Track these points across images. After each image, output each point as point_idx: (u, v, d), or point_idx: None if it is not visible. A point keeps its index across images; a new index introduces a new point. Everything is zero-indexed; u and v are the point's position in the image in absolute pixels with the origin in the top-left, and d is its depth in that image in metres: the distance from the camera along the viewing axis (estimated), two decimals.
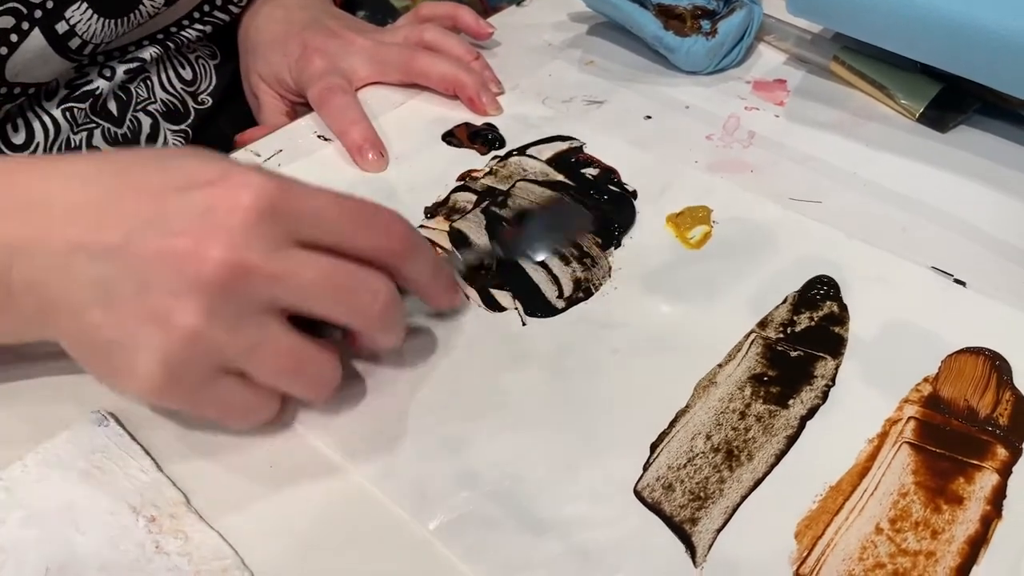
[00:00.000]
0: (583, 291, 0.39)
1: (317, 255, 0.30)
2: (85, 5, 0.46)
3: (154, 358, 0.28)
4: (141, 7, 0.49)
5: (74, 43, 0.47)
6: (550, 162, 0.46)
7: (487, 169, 0.45)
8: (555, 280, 0.39)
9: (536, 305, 0.38)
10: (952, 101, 0.47)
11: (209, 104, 0.58)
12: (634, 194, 0.44)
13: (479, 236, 0.41)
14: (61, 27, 0.46)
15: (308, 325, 0.31)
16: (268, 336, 0.29)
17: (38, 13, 0.45)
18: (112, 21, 0.48)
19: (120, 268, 0.28)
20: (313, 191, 0.31)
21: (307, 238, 0.30)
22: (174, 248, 0.28)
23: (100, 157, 0.32)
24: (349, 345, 0.34)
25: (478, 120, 0.49)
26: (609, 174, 0.45)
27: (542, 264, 0.40)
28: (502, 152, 0.46)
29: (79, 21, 0.46)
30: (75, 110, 0.51)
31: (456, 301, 0.36)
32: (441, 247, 0.41)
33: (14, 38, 0.44)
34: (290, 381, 0.31)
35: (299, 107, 0.55)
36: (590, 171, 0.45)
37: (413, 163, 0.46)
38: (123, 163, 0.31)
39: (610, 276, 0.40)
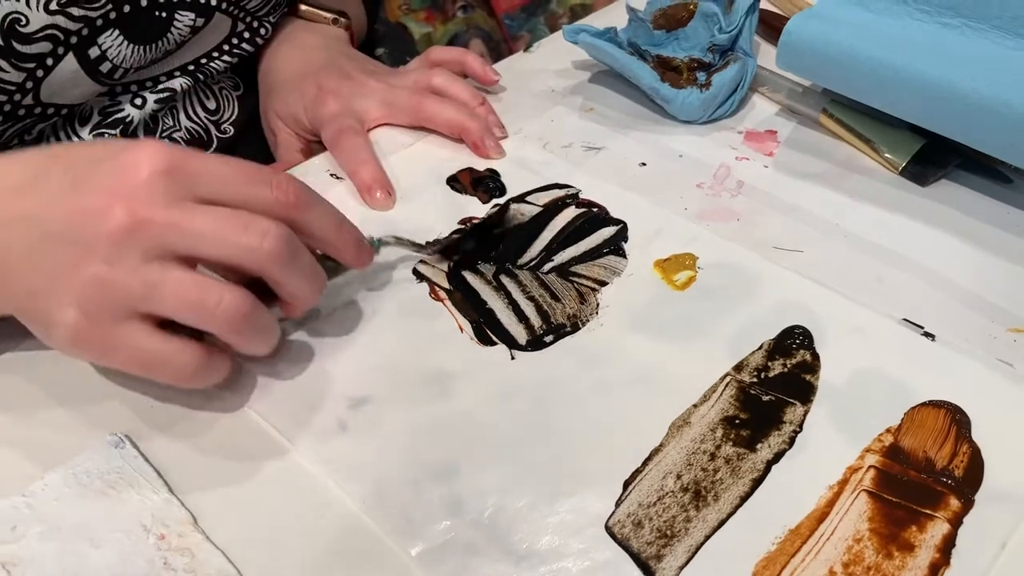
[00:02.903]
0: (571, 325, 0.41)
1: (212, 207, 0.33)
2: (117, 32, 0.49)
3: (71, 304, 0.32)
4: (169, 35, 0.52)
5: (105, 67, 0.50)
6: (546, 206, 0.48)
7: (487, 216, 0.48)
8: (545, 316, 0.42)
9: (516, 341, 0.41)
10: (934, 156, 0.49)
11: (231, 134, 0.61)
12: (623, 228, 0.46)
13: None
14: (93, 52, 0.49)
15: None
16: (169, 275, 0.33)
17: (73, 39, 0.48)
18: (142, 47, 0.51)
19: (42, 230, 0.33)
20: (210, 157, 0.35)
21: (204, 195, 0.34)
22: (82, 206, 0.32)
23: (41, 148, 0.37)
24: (282, 311, 0.38)
25: (481, 164, 0.52)
26: (595, 209, 0.48)
27: (531, 299, 0.42)
28: (502, 200, 0.49)
29: (110, 47, 0.49)
30: (106, 136, 0.54)
31: (367, 259, 0.40)
32: (439, 286, 0.44)
33: (50, 62, 0.47)
34: (197, 314, 0.33)
35: (314, 145, 0.58)
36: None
37: (418, 203, 0.49)
38: (53, 149, 0.36)
39: (597, 312, 0.42)
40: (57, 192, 0.33)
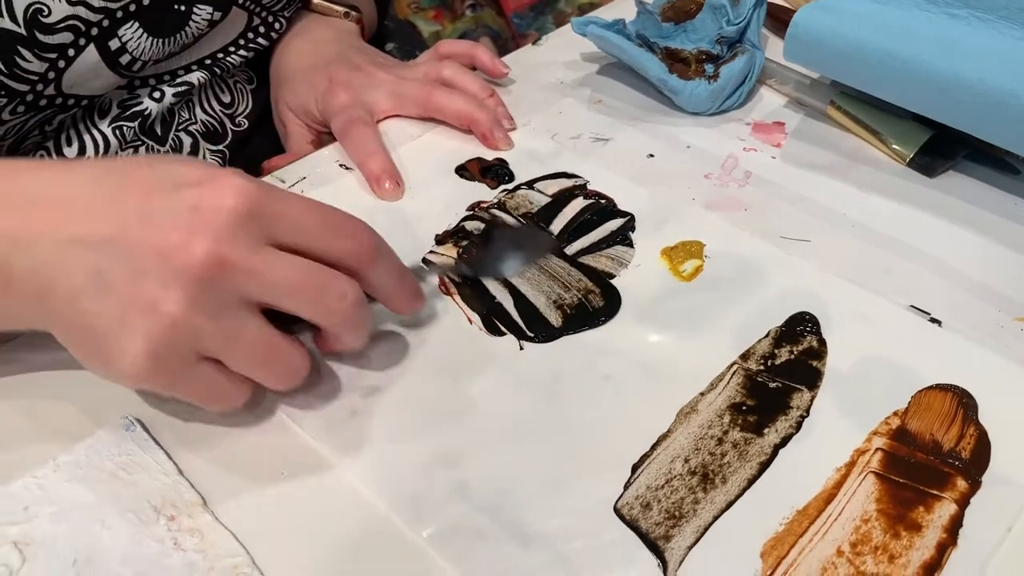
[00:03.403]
0: (585, 315, 0.41)
1: (291, 256, 0.33)
2: (137, 24, 0.50)
3: (140, 342, 0.31)
4: (187, 28, 0.53)
5: (124, 59, 0.51)
6: (555, 196, 0.49)
7: (495, 200, 0.48)
8: (559, 307, 0.42)
9: (538, 328, 0.41)
10: (942, 147, 0.50)
11: (245, 126, 0.62)
12: (631, 219, 0.47)
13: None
14: (114, 44, 0.49)
15: (280, 320, 0.34)
16: (244, 328, 0.32)
17: (94, 31, 0.48)
18: (161, 40, 0.52)
19: (114, 258, 0.31)
20: (291, 197, 0.34)
21: (282, 239, 0.33)
22: (165, 241, 0.31)
23: (96, 161, 0.35)
24: (317, 346, 0.37)
25: (490, 154, 0.52)
26: (603, 201, 0.48)
27: (543, 292, 0.43)
28: (511, 186, 0.49)
29: (130, 39, 0.50)
30: (124, 128, 0.55)
31: (418, 306, 0.39)
32: (449, 278, 0.44)
33: (71, 52, 0.48)
34: (262, 371, 0.34)
35: (324, 136, 0.58)
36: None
37: (427, 193, 0.49)
38: (117, 166, 0.34)
39: None
40: (133, 219, 0.31)
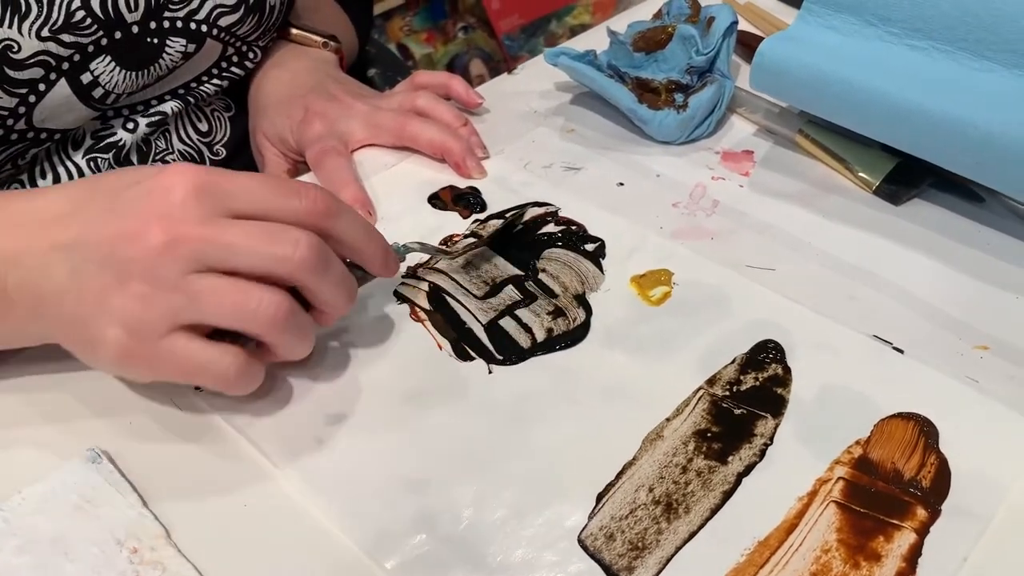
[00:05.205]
0: (554, 339, 0.42)
1: (244, 221, 0.34)
2: (109, 58, 0.50)
3: (116, 323, 0.33)
4: (161, 60, 0.53)
5: (97, 93, 0.51)
6: (527, 224, 0.49)
7: (467, 232, 0.49)
8: (527, 329, 0.42)
9: (509, 352, 0.41)
10: (908, 176, 0.50)
11: (223, 155, 0.62)
12: (601, 244, 0.47)
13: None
14: (86, 78, 0.50)
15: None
16: (208, 283, 0.34)
17: (65, 65, 0.48)
18: (134, 73, 0.52)
19: (84, 255, 0.34)
20: (240, 174, 0.36)
21: (238, 210, 0.35)
22: (121, 229, 0.34)
23: (83, 179, 0.38)
24: (316, 320, 0.38)
25: (463, 183, 0.52)
26: (573, 227, 0.48)
27: (514, 315, 0.43)
28: (483, 216, 0.50)
29: (103, 73, 0.50)
30: (99, 160, 0.55)
31: (394, 267, 0.40)
32: (419, 306, 0.44)
33: (42, 87, 0.48)
34: (238, 315, 0.34)
35: (300, 165, 0.58)
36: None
37: (399, 223, 0.50)
38: (92, 179, 0.37)
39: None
40: (96, 219, 0.34)
